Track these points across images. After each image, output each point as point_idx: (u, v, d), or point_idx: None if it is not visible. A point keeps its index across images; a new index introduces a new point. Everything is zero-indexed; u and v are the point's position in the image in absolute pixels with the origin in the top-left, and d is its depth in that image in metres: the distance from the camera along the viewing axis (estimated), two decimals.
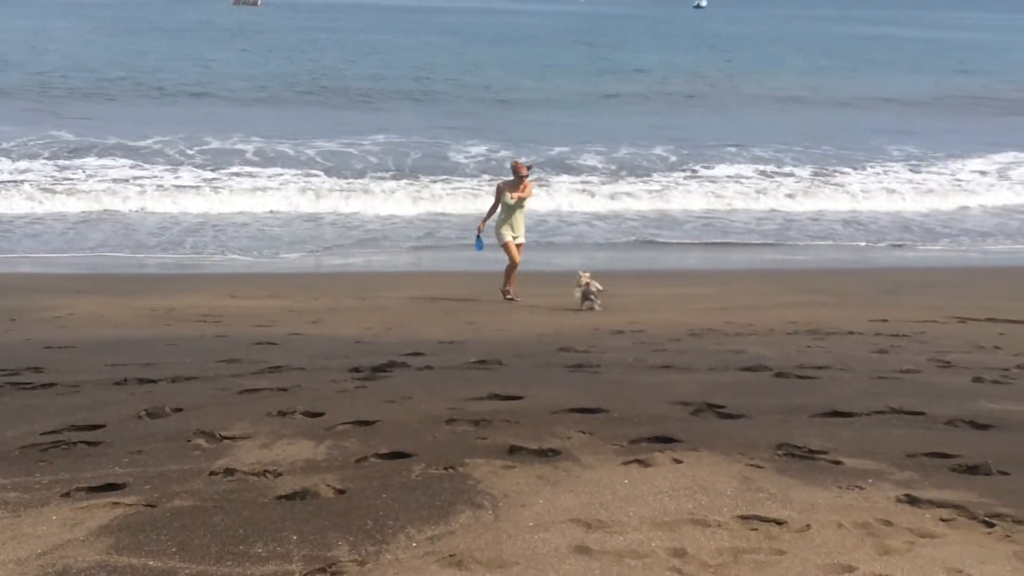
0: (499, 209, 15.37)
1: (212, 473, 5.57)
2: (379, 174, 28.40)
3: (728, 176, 29.58)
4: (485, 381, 8.22)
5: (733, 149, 34.12)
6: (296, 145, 31.93)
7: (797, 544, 4.57)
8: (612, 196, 26.30)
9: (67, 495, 5.22)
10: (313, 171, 28.49)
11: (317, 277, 17.80)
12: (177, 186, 25.85)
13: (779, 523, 4.81)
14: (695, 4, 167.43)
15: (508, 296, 15.31)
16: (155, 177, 26.68)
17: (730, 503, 5.06)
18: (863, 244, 23.09)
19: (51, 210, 23.04)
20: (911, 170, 31.57)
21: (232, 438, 6.29)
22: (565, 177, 28.45)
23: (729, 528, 4.76)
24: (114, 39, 67.72)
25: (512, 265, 15.26)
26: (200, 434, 6.34)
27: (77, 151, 29.61)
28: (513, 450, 6.00)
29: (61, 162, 28.09)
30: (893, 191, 28.22)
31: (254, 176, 27.41)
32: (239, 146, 31.63)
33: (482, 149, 32.62)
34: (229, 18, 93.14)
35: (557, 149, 31.99)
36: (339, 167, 29.17)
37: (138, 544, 4.59)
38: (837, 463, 5.79)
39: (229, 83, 47.00)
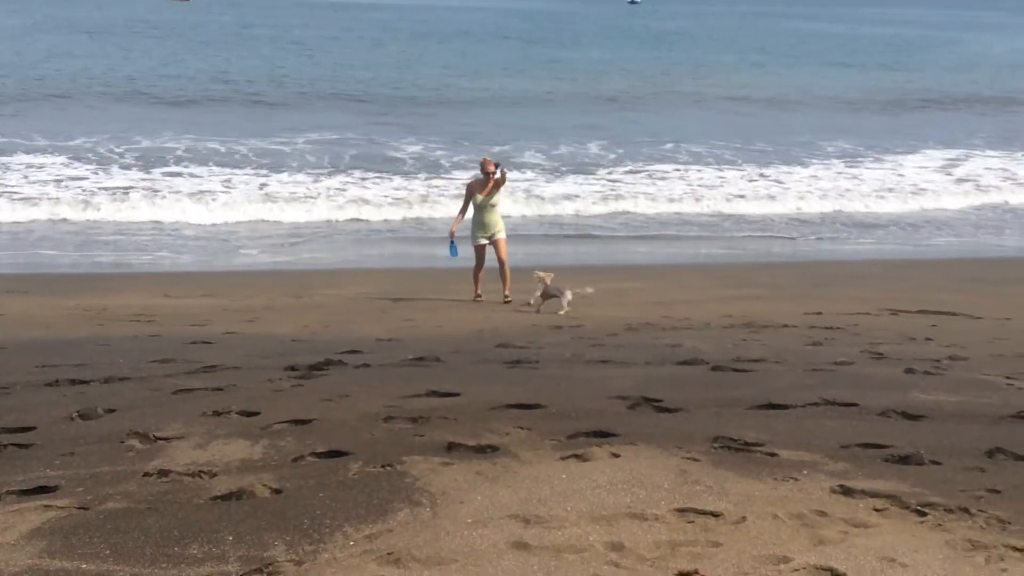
0: (471, 209, 14.96)
1: (146, 474, 5.50)
2: (315, 171, 28.19)
3: (665, 172, 29.75)
4: (423, 378, 8.20)
5: (670, 146, 34.33)
6: (226, 142, 31.62)
7: (733, 536, 4.61)
8: (552, 197, 26.29)
9: None
10: (248, 170, 28.25)
11: (253, 275, 17.62)
12: (108, 188, 25.42)
13: (715, 515, 4.84)
14: (629, 0, 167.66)
15: (479, 299, 14.80)
16: (86, 178, 26.19)
17: (667, 496, 5.09)
18: (796, 237, 23.36)
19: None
20: (847, 166, 32.04)
21: (166, 439, 6.21)
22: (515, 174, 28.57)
23: (666, 521, 4.79)
24: (44, 36, 66.50)
25: (478, 267, 14.86)
26: (133, 435, 6.25)
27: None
28: (451, 447, 6.00)
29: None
30: (826, 188, 28.51)
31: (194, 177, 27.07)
32: (170, 144, 31.29)
33: (418, 148, 32.50)
34: (162, 15, 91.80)
35: (497, 148, 31.97)
36: (275, 164, 28.91)
37: (71, 547, 4.52)
38: (772, 455, 5.85)
39: (158, 82, 46.25)
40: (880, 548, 4.44)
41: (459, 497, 5.11)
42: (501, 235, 14.96)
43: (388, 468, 5.57)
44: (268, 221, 23.04)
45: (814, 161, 32.52)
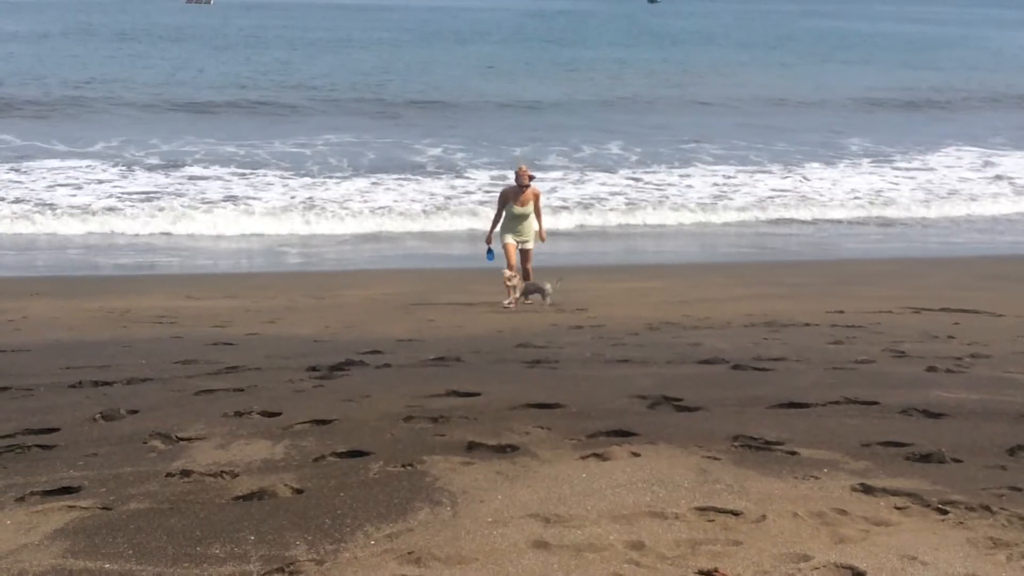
0: (504, 216, 14.71)
1: (168, 475, 5.54)
2: (336, 174, 28.27)
3: (687, 172, 29.73)
4: (443, 378, 8.22)
5: (692, 146, 34.29)
6: (248, 147, 31.77)
7: (753, 534, 4.60)
8: (575, 197, 26.25)
9: (22, 499, 5.17)
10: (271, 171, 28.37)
11: (274, 276, 17.70)
12: (133, 192, 25.52)
13: (736, 514, 4.84)
14: None
15: (507, 304, 14.27)
16: (112, 181, 26.28)
17: (687, 495, 5.09)
18: (818, 234, 23.29)
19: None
20: (873, 164, 31.94)
21: (188, 439, 6.25)
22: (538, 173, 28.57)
23: (686, 520, 4.78)
24: (64, 42, 66.83)
25: (508, 267, 14.46)
26: (156, 436, 6.30)
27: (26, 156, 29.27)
28: (471, 446, 6.01)
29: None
30: (854, 187, 28.37)
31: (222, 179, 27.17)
32: (188, 148, 31.43)
33: (438, 150, 32.52)
34: (180, 18, 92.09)
35: (519, 151, 31.96)
36: (295, 167, 29.01)
37: (94, 547, 4.55)
38: (793, 453, 5.84)
39: (177, 88, 46.32)
40: (901, 546, 4.43)
41: (479, 496, 5.12)
42: (530, 245, 14.77)
43: (408, 468, 5.59)
44: (301, 235, 22.91)
45: (840, 160, 32.40)
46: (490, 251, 14.94)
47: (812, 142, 35.85)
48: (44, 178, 26.16)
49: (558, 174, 28.88)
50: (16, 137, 32.04)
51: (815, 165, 31.50)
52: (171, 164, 28.63)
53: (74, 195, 24.50)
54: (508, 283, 14.07)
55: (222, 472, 5.57)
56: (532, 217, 14.74)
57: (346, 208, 24.16)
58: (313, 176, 27.89)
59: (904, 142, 35.89)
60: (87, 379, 8.27)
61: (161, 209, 23.47)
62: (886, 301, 13.99)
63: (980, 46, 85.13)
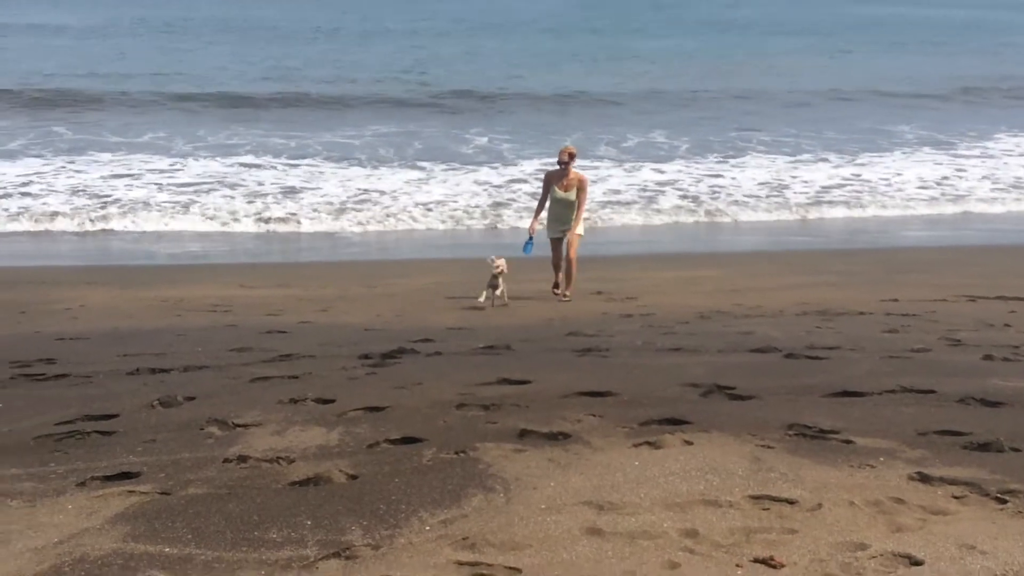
0: (548, 202, 14.15)
1: (226, 460, 5.61)
2: (386, 165, 28.40)
3: (743, 163, 29.55)
4: (494, 366, 8.25)
5: (738, 134, 34.05)
6: (296, 138, 32.00)
7: (809, 523, 4.58)
8: (623, 188, 26.18)
9: (82, 484, 5.26)
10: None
11: (326, 266, 17.80)
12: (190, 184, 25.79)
13: (791, 502, 4.82)
14: None
15: (556, 292, 14.03)
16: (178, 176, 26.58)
17: (741, 483, 5.08)
18: (873, 221, 23.09)
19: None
20: (936, 150, 31.60)
21: (244, 426, 6.33)
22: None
23: (740, 508, 4.77)
24: (115, 36, 67.42)
25: (555, 259, 14.05)
26: (213, 422, 6.38)
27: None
28: (523, 434, 6.04)
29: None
30: (912, 176, 28.05)
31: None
32: (235, 140, 31.62)
33: (483, 140, 32.51)
34: (214, 11, 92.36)
35: (569, 140, 31.80)
36: (345, 157, 29.18)
37: (154, 531, 4.62)
38: (848, 442, 5.81)
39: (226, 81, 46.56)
40: (959, 535, 4.39)
41: (532, 483, 5.14)
42: (579, 231, 14.01)
43: (461, 454, 5.63)
44: (352, 226, 22.97)
45: (896, 148, 32.05)
46: (529, 241, 14.26)
47: (862, 129, 35.43)
48: (99, 170, 26.44)
49: (608, 163, 28.79)
50: (68, 130, 32.44)
51: (870, 153, 31.15)
52: (221, 155, 28.86)
53: (130, 187, 24.75)
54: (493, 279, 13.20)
55: (278, 458, 5.63)
56: (576, 201, 13.94)
57: (396, 199, 24.21)
58: (364, 166, 28.00)
59: (959, 129, 35.39)
60: (144, 366, 8.40)
61: (208, 200, 23.68)
62: (941, 289, 13.82)
63: None
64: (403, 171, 27.48)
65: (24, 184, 24.42)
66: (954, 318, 11.25)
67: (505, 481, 5.18)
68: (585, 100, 42.95)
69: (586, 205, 14.33)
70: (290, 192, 24.75)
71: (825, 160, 30.09)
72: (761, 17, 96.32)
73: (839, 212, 24.28)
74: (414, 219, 22.89)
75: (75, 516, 4.82)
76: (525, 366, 8.26)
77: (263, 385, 7.62)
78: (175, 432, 6.23)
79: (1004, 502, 4.81)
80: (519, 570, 4.13)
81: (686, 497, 4.90)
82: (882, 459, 5.47)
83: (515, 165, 28.25)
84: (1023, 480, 5.11)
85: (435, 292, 14.47)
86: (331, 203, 23.73)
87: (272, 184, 25.48)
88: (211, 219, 22.30)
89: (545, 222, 14.44)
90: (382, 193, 24.77)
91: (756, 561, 4.18)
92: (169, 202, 23.40)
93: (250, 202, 23.60)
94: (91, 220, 21.78)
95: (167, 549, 4.44)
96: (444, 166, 28.05)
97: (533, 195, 23.37)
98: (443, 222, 22.74)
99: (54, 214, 21.98)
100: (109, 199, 23.48)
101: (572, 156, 13.94)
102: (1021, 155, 31.50)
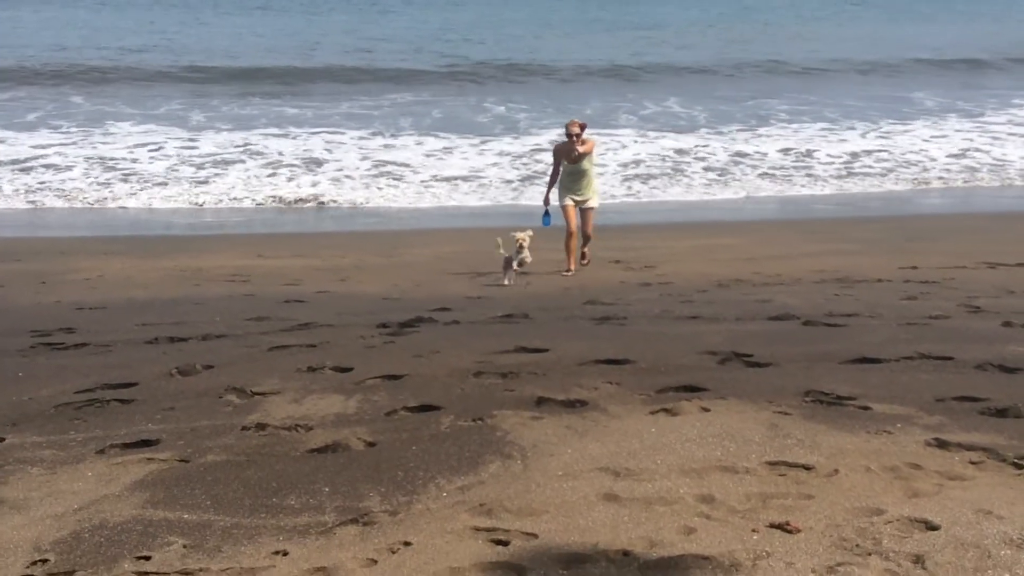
0: (560, 174, 13.90)
1: (244, 428, 5.65)
2: (404, 134, 28.36)
3: (768, 133, 29.38)
4: (511, 335, 8.26)
5: (757, 102, 33.83)
6: (313, 109, 31.95)
7: (825, 488, 4.58)
8: (641, 157, 26.08)
9: (102, 452, 5.30)
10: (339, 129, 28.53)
11: (343, 236, 17.81)
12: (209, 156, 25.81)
13: (807, 468, 4.82)
14: None
15: (567, 274, 13.46)
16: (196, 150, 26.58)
17: (758, 450, 5.08)
18: (894, 189, 22.97)
19: None
20: (964, 118, 31.41)
21: (263, 394, 6.36)
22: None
23: (757, 474, 4.77)
24: (130, 9, 67.22)
25: (568, 234, 13.59)
26: (231, 390, 6.42)
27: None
28: (540, 401, 6.05)
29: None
30: (927, 141, 27.85)
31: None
32: (250, 110, 31.50)
33: (501, 108, 32.39)
34: None
35: (589, 111, 31.67)
36: (363, 127, 29.15)
37: (173, 498, 4.66)
38: (865, 409, 5.80)
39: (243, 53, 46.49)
40: (976, 500, 4.38)
41: (549, 450, 5.15)
42: (592, 203, 13.91)
43: (479, 422, 5.64)
44: (370, 197, 22.93)
45: (918, 117, 31.82)
46: (546, 214, 14.17)
47: (882, 97, 35.18)
48: (118, 142, 26.50)
49: (628, 132, 28.68)
50: (86, 101, 32.52)
51: (890, 121, 30.92)
52: (239, 127, 28.90)
53: (148, 159, 24.80)
54: (518, 253, 12.64)
55: (296, 426, 5.66)
56: (591, 173, 13.82)
57: (417, 172, 24.17)
58: (384, 136, 27.98)
59: (978, 98, 35.12)
60: (163, 335, 8.44)
61: (225, 171, 23.72)
62: (960, 257, 13.74)
63: None
64: (422, 141, 27.44)
65: (42, 156, 24.52)
66: (973, 285, 11.19)
67: (522, 448, 5.19)
68: (604, 71, 42.74)
69: (596, 161, 14.02)
70: (308, 163, 24.78)
71: (851, 128, 29.91)
72: None
73: (868, 184, 24.08)
74: (427, 187, 22.89)
75: (95, 483, 4.87)
76: (543, 334, 8.27)
77: (281, 354, 7.65)
78: (193, 400, 6.27)
79: (1021, 467, 4.79)
80: (536, 535, 4.15)
81: (702, 463, 4.91)
82: (899, 425, 5.46)
83: (533, 135, 28.18)
84: None
85: (452, 262, 14.47)
86: (349, 175, 23.75)
87: (290, 154, 25.51)
88: (229, 189, 22.34)
89: (559, 190, 14.16)
90: (400, 165, 24.75)
91: (772, 526, 4.18)
92: (186, 173, 23.47)
93: (271, 174, 23.64)
94: (109, 191, 21.86)
95: (186, 515, 4.47)
96: (462, 136, 28.00)
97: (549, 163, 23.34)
98: (461, 191, 22.72)
99: (73, 186, 22.09)
100: (127, 170, 23.56)
101: (582, 128, 13.70)
102: None
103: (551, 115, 31.26)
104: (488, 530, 4.23)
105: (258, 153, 25.56)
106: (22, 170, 23.25)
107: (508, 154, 25.89)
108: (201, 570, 3.95)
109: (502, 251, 12.74)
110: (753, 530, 4.15)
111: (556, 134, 27.03)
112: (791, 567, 3.79)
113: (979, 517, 4.20)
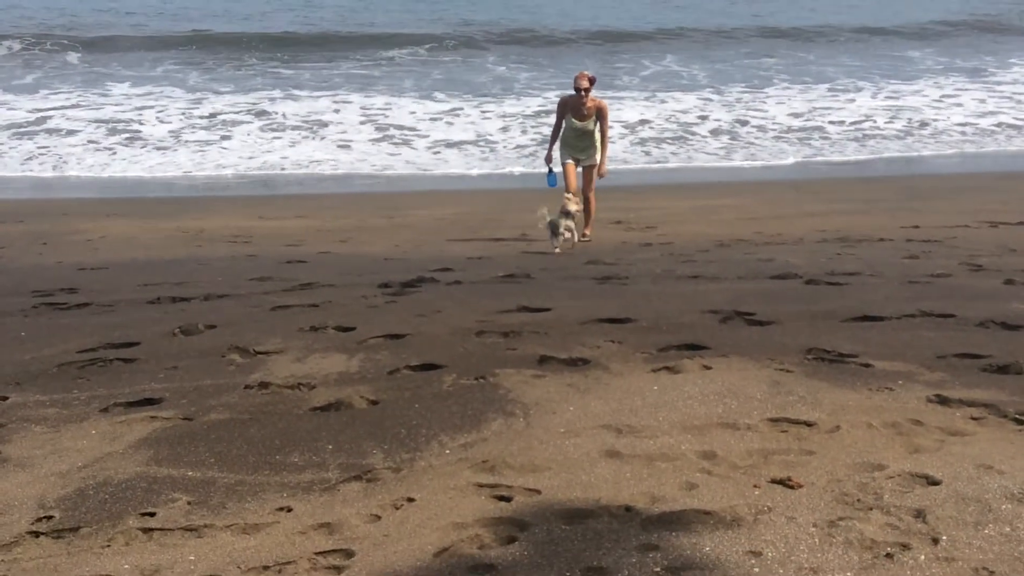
0: (563, 129, 12.98)
1: (247, 387, 5.66)
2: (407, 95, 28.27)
3: (774, 95, 29.26)
4: (514, 294, 8.27)
5: (758, 61, 33.64)
6: (313, 71, 31.83)
7: (827, 444, 4.60)
8: (646, 117, 25.95)
9: (105, 410, 5.32)
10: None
11: (344, 197, 17.79)
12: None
13: (809, 425, 4.83)
14: None
15: (583, 238, 12.71)
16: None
17: (760, 407, 5.09)
18: (893, 152, 22.88)
19: None
20: (971, 80, 31.32)
21: (266, 353, 6.38)
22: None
23: (759, 431, 4.79)
24: None
25: (568, 188, 12.61)
26: (234, 349, 6.43)
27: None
28: (543, 360, 6.06)
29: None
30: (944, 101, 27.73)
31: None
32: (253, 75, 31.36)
33: (501, 68, 32.22)
34: None
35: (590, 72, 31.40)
36: (365, 88, 29.03)
37: (176, 456, 4.68)
38: (867, 366, 5.81)
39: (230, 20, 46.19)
40: (976, 455, 4.39)
41: (551, 408, 5.16)
42: (592, 161, 12.92)
43: (481, 380, 5.66)
44: (374, 157, 22.92)
45: (920, 77, 31.68)
46: (551, 172, 13.28)
47: (882, 55, 35.01)
48: (121, 104, 26.42)
49: (632, 93, 28.56)
50: (84, 64, 32.39)
51: (895, 82, 30.80)
52: (240, 90, 28.77)
53: (148, 121, 24.74)
54: (565, 217, 11.90)
55: (299, 384, 5.67)
56: (595, 134, 12.85)
57: (422, 136, 24.08)
58: (386, 96, 27.88)
59: (979, 59, 34.98)
60: (165, 295, 8.46)
61: (229, 133, 23.67)
62: (963, 216, 13.73)
63: None
64: (424, 102, 27.34)
65: (44, 119, 24.44)
66: (976, 244, 11.19)
67: (525, 406, 5.21)
68: (605, 34, 42.48)
69: (609, 135, 13.14)
70: (308, 124, 24.70)
71: (860, 90, 29.78)
72: None
73: (881, 146, 23.96)
74: (425, 146, 22.84)
75: (99, 441, 4.88)
76: (545, 294, 8.28)
77: (284, 313, 7.66)
78: (196, 359, 6.28)
79: (1022, 423, 4.81)
80: (538, 491, 4.17)
81: (704, 420, 4.92)
82: (900, 382, 5.47)
83: (533, 96, 28.06)
84: None
85: (454, 223, 14.46)
86: (351, 137, 23.68)
87: (293, 116, 25.43)
88: (229, 151, 22.29)
89: (561, 147, 13.22)
90: (400, 128, 24.68)
91: (774, 482, 4.20)
92: (186, 135, 23.41)
93: (275, 138, 23.59)
94: (109, 152, 21.82)
95: (190, 472, 4.49)
96: (463, 98, 27.89)
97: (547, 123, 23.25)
98: (461, 153, 22.66)
99: (73, 146, 22.04)
100: (127, 132, 23.50)
101: (592, 82, 12.67)
102: None
103: (551, 75, 31.09)
104: (491, 486, 4.24)
105: (261, 113, 25.49)
106: (24, 133, 23.19)
107: (510, 115, 25.79)
108: (205, 526, 3.97)
109: (548, 216, 11.99)
110: (755, 486, 4.17)
111: (556, 95, 26.98)
112: (792, 521, 3.81)
113: (980, 472, 4.22)
